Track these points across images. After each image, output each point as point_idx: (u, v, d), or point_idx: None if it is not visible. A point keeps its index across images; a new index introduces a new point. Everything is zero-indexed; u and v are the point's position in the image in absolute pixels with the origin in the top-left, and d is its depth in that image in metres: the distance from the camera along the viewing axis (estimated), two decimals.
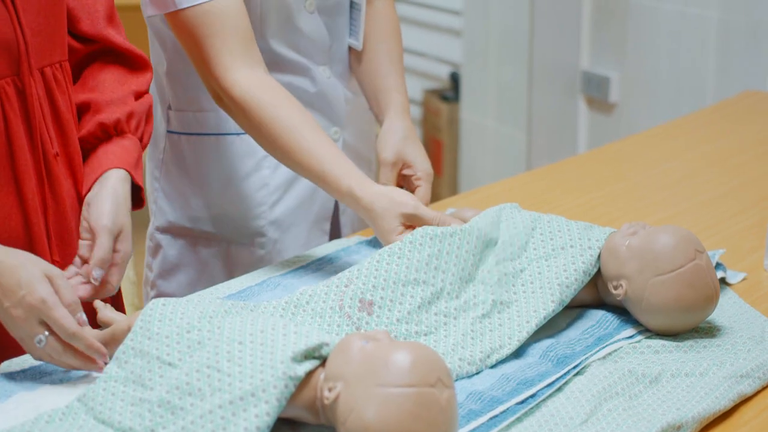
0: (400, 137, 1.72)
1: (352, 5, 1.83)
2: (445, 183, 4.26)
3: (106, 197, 1.44)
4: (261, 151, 1.76)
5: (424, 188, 1.69)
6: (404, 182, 1.72)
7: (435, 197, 4.04)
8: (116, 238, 1.42)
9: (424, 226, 1.45)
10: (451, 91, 4.31)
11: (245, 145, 1.79)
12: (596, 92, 3.43)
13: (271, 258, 1.83)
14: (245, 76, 1.58)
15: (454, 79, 4.30)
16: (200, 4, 1.57)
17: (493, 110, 3.88)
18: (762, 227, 1.76)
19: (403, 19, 4.81)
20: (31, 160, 1.42)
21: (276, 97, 1.58)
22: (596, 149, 2.37)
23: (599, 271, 1.45)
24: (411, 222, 1.51)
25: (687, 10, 3.09)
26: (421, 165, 1.70)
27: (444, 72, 4.55)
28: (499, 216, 1.51)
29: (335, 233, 1.93)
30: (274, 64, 1.75)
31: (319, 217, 1.87)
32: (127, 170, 1.48)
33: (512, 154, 3.83)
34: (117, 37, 1.55)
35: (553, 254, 1.45)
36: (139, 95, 1.55)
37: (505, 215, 1.52)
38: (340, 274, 1.40)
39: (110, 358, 1.27)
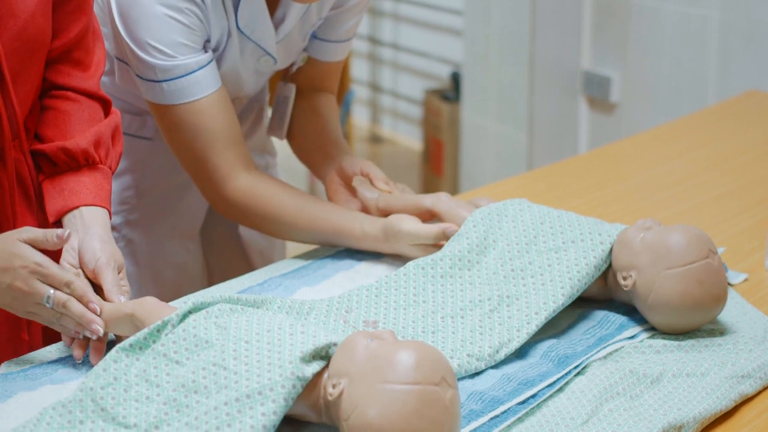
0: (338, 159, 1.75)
1: (278, 99, 1.83)
2: (445, 183, 4.26)
3: (94, 238, 1.37)
4: (134, 155, 1.78)
5: (374, 169, 1.71)
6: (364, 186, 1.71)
7: None
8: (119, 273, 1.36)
9: (415, 260, 1.48)
10: (451, 91, 4.31)
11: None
12: (597, 92, 3.43)
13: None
14: (243, 182, 1.61)
15: (455, 79, 4.30)
16: (190, 102, 1.55)
17: (493, 110, 3.88)
18: (763, 228, 1.76)
19: (404, 18, 4.81)
20: None
21: (271, 188, 1.63)
22: (597, 149, 2.37)
23: (609, 266, 1.45)
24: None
25: (688, 10, 3.09)
26: (357, 161, 1.73)
27: (445, 72, 4.55)
28: (501, 216, 1.51)
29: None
30: None
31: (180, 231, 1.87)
32: (106, 208, 1.42)
33: (513, 154, 3.83)
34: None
35: (563, 247, 1.45)
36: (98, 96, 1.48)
37: (510, 213, 1.52)
38: (336, 297, 1.41)
39: (113, 336, 1.29)
